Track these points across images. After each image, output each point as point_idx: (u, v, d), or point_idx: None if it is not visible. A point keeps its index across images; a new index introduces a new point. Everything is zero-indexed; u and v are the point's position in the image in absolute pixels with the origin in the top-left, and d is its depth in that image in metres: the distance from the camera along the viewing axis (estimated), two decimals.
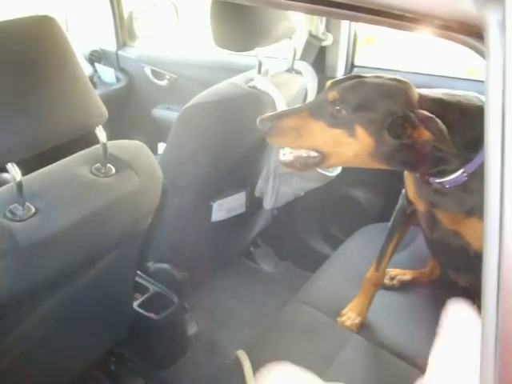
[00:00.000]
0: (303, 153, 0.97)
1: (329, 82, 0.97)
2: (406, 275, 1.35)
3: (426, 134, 0.84)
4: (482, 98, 0.91)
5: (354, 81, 0.92)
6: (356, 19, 0.51)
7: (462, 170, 0.91)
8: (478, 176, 0.89)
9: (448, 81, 1.71)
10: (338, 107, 0.89)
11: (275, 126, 0.94)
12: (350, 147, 0.91)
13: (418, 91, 0.92)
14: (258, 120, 0.96)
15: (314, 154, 0.96)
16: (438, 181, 0.95)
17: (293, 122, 0.94)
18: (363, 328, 1.22)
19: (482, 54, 0.38)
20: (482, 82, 0.40)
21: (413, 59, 2.33)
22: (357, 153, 0.92)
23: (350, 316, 1.23)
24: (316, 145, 0.94)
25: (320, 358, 1.15)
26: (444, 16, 0.38)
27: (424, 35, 0.48)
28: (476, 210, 0.92)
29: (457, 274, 1.16)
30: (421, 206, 1.07)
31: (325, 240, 1.93)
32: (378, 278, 1.23)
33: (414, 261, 1.40)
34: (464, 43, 0.41)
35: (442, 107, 0.89)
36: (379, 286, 1.25)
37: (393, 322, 1.24)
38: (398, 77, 0.94)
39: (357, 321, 1.22)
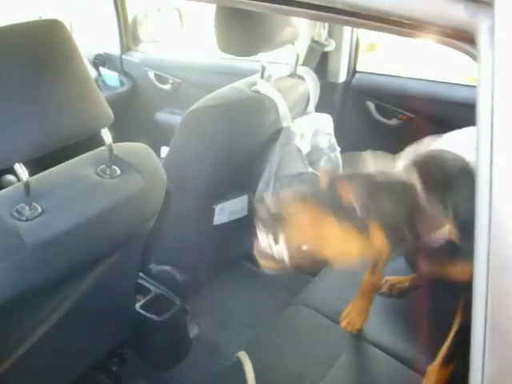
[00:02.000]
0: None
1: (331, 176, 0.88)
2: (405, 283, 1.36)
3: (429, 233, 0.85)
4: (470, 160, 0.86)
5: (369, 183, 0.84)
6: (356, 25, 0.53)
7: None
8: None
9: (449, 87, 1.72)
10: (353, 211, 0.81)
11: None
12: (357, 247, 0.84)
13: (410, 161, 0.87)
14: (255, 200, 0.87)
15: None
16: None
17: (301, 219, 0.84)
18: (364, 331, 1.23)
19: (474, 58, 0.40)
20: None
21: (415, 65, 2.34)
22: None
23: (351, 319, 1.24)
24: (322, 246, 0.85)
25: (321, 361, 1.15)
26: (439, 23, 0.40)
27: (421, 40, 0.50)
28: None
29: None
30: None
31: None
32: (375, 280, 1.23)
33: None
34: (458, 48, 0.43)
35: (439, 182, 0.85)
36: (378, 288, 1.26)
37: (394, 325, 1.25)
38: (403, 173, 0.86)
39: (358, 324, 1.22)
